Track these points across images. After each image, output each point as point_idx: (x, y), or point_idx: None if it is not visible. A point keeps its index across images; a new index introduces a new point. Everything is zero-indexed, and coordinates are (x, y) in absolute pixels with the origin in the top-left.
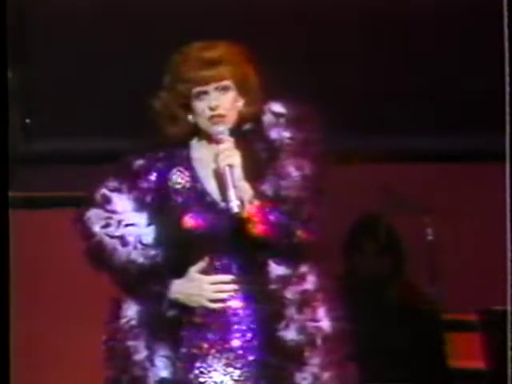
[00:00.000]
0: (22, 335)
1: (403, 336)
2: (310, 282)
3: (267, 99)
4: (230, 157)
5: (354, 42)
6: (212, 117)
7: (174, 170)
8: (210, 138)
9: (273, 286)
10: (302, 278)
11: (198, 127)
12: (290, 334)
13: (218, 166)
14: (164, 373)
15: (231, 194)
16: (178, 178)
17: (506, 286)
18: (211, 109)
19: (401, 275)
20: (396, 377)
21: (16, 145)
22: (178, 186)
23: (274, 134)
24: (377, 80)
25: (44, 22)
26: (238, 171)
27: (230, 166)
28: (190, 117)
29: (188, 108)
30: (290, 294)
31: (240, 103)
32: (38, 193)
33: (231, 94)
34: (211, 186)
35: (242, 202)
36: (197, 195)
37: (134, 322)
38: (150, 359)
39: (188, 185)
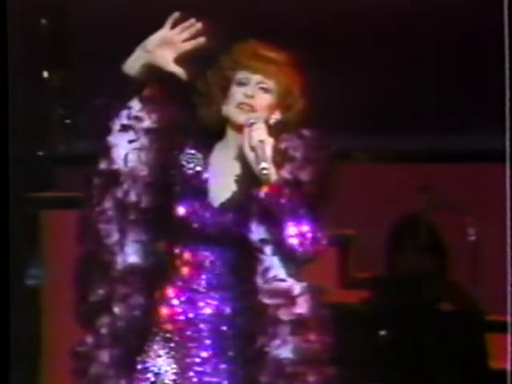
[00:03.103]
0: (54, 330)
1: (444, 336)
2: (303, 307)
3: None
4: (263, 135)
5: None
6: (243, 103)
7: (187, 163)
8: (241, 128)
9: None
10: (294, 301)
11: (226, 123)
12: (285, 353)
13: (250, 141)
14: (133, 258)
15: (262, 159)
16: (185, 173)
17: (506, 284)
18: (246, 95)
19: (443, 275)
20: (436, 377)
21: (56, 145)
22: (180, 178)
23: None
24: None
25: (84, 24)
26: (269, 149)
27: (262, 142)
28: (224, 108)
29: (225, 95)
30: (283, 314)
31: (275, 116)
32: (78, 193)
33: (268, 98)
34: (215, 188)
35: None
36: (196, 192)
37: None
38: (121, 244)
39: (192, 181)
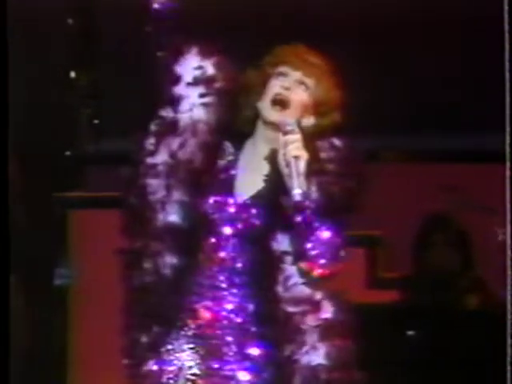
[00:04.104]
0: (80, 331)
1: (469, 337)
2: (328, 311)
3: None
4: (298, 149)
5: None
6: (278, 94)
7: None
8: (274, 126)
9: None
10: (318, 306)
11: (259, 120)
12: (317, 360)
13: (284, 154)
14: (173, 217)
15: (295, 183)
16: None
17: (507, 283)
18: (283, 87)
19: (470, 274)
20: (460, 379)
21: (84, 145)
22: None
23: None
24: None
25: (111, 24)
26: (303, 164)
27: (297, 158)
28: (259, 103)
29: (264, 88)
30: (309, 321)
31: (308, 119)
32: (106, 193)
33: (304, 96)
34: (240, 184)
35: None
36: (223, 186)
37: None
38: (164, 201)
39: (221, 175)
